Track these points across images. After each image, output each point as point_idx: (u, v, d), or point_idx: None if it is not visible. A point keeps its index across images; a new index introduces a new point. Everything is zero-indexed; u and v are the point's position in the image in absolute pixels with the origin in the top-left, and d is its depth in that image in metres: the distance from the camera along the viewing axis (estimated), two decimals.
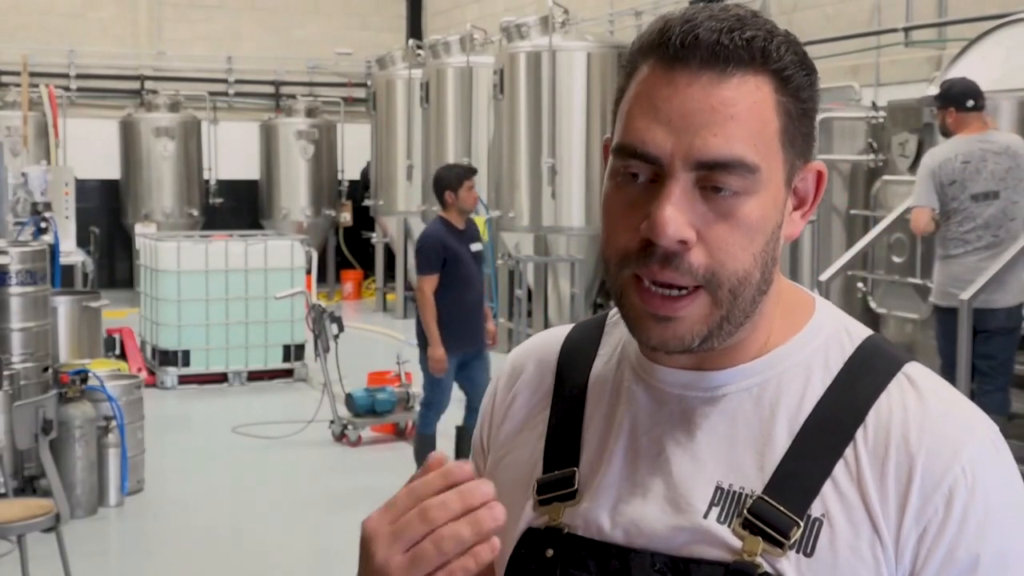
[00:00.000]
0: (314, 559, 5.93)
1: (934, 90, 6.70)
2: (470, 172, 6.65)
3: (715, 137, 1.02)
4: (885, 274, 7.20)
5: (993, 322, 5.88)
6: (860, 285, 7.45)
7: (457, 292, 6.39)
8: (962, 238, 5.92)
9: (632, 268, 1.06)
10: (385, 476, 6.26)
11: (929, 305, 6.32)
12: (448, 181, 6.49)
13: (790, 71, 1.05)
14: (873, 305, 7.27)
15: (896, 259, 7.08)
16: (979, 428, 1.08)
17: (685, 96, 1.03)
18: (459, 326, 6.39)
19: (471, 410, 6.61)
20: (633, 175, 1.05)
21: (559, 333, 1.29)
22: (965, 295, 5.71)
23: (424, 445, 6.61)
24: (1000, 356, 5.93)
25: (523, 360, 1.29)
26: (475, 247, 6.59)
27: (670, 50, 1.04)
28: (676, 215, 1.02)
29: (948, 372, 5.69)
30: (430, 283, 6.35)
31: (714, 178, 1.03)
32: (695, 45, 1.03)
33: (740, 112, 1.02)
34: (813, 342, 1.13)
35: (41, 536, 5.03)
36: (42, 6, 16.13)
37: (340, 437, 8.06)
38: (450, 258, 6.39)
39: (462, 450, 6.53)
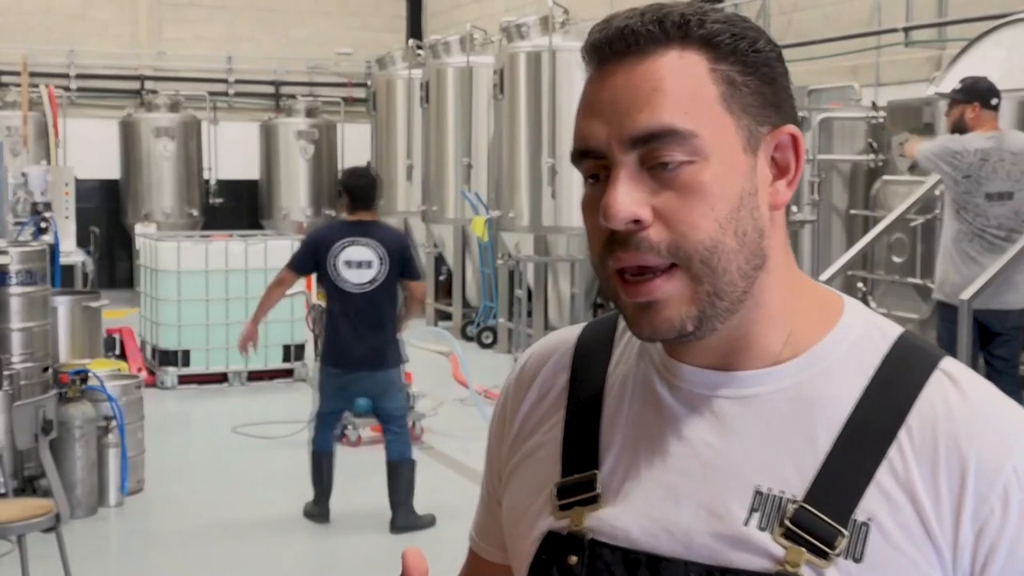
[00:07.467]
0: (314, 559, 5.93)
1: (934, 89, 6.70)
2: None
3: (641, 112, 1.04)
4: (885, 274, 7.21)
5: (1008, 323, 5.87)
6: (860, 285, 7.45)
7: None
8: (978, 235, 5.87)
9: (610, 265, 1.06)
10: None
11: (930, 305, 6.31)
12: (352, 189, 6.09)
13: (722, 38, 1.05)
14: (873, 305, 7.27)
15: (896, 259, 7.08)
16: (1022, 423, 1.07)
17: (611, 85, 1.06)
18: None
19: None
20: (594, 177, 1.08)
21: (571, 332, 1.27)
22: (966, 295, 5.70)
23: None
24: (1013, 357, 5.93)
25: (535, 360, 1.27)
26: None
27: (593, 50, 1.08)
28: (623, 196, 1.03)
29: None
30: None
31: (656, 153, 1.03)
32: (610, 37, 1.07)
33: (664, 83, 1.04)
34: (846, 342, 1.10)
35: (41, 536, 5.02)
36: (42, 6, 16.13)
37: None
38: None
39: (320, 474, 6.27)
